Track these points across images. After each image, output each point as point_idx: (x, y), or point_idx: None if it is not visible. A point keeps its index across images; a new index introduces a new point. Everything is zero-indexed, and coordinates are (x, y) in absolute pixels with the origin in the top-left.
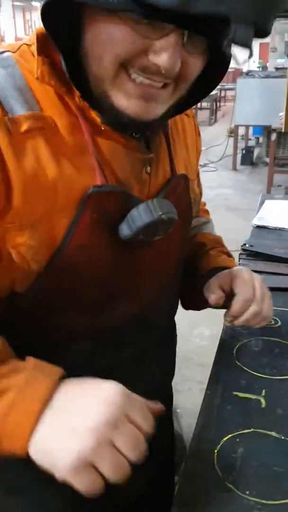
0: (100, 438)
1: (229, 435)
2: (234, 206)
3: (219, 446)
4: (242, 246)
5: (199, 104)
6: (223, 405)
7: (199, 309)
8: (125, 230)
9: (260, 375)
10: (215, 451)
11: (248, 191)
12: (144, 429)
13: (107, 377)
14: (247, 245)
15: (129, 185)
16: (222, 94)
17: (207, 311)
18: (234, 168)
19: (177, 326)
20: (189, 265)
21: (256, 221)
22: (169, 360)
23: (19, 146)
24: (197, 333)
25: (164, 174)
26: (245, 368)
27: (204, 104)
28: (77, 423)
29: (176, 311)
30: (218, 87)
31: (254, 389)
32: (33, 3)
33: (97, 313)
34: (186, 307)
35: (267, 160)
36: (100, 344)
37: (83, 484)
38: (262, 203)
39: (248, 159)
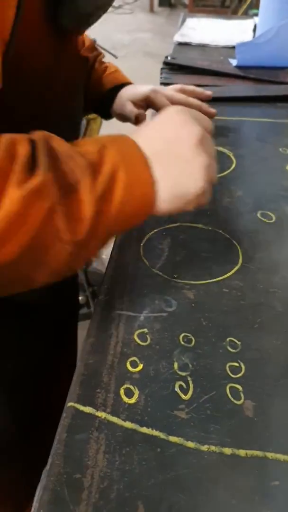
0: (206, 154)
1: (155, 230)
2: (153, 51)
3: (144, 239)
4: (164, 59)
5: None
6: None
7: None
8: (68, 16)
9: None
10: (141, 244)
11: (168, 35)
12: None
13: None
14: (169, 58)
15: None
16: None
17: None
18: (152, 10)
19: None
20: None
21: (178, 38)
22: None
23: None
24: None
25: None
26: None
27: None
28: (184, 159)
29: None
30: None
31: None
32: None
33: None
34: None
35: (186, 1)
36: None
37: (208, 197)
38: (183, 21)
39: None
